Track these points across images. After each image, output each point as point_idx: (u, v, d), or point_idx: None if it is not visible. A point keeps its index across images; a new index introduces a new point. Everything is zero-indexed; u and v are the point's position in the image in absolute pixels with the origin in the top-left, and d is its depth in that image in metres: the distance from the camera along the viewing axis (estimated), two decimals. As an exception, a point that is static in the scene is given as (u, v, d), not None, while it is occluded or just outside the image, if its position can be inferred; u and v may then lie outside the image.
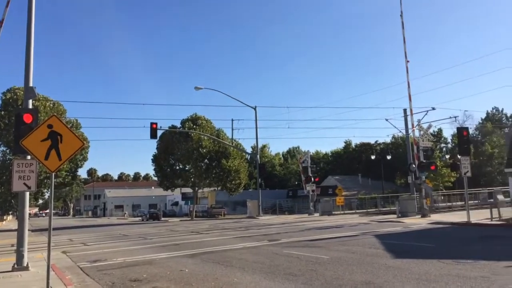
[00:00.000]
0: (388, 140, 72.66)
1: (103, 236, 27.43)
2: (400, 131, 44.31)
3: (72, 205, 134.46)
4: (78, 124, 46.10)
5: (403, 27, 31.14)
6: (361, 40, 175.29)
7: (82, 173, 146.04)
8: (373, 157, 60.35)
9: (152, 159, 54.20)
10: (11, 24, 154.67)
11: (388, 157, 57.22)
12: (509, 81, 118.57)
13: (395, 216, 31.10)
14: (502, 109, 77.56)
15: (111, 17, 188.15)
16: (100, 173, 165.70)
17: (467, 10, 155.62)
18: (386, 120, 44.54)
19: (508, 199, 23.70)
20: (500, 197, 28.53)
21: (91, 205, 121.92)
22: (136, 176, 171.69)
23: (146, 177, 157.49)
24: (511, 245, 14.63)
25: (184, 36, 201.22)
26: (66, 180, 47.68)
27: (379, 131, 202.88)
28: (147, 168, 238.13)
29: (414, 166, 30.87)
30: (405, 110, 40.76)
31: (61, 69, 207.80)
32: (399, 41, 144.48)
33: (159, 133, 45.21)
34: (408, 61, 30.80)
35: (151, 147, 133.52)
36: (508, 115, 76.77)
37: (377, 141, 76.60)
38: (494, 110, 77.68)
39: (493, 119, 75.13)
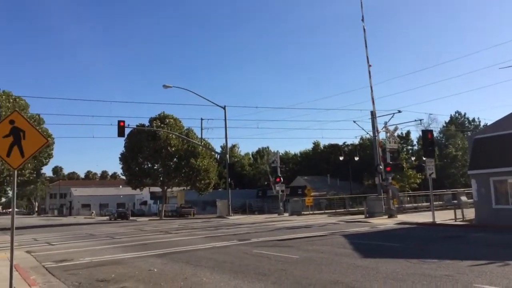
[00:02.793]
0: (356, 141, 73.86)
1: (69, 235, 26.73)
2: (368, 133, 45.12)
3: (37, 203, 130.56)
4: (41, 120, 44.83)
5: (364, 32, 31.65)
6: (330, 42, 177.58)
7: (47, 171, 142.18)
8: (341, 158, 61.23)
9: (119, 158, 53.27)
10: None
11: (356, 158, 58.21)
12: (471, 86, 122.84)
13: (363, 216, 31.64)
14: (465, 113, 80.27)
15: (76, 12, 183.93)
16: (66, 171, 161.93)
17: (436, 15, 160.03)
18: (354, 122, 45.19)
19: (471, 200, 24.49)
20: (464, 198, 29.45)
21: (57, 203, 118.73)
22: (104, 174, 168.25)
23: (114, 176, 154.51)
24: (474, 245, 15.11)
25: (153, 34, 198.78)
26: (30, 178, 46.25)
27: (348, 132, 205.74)
28: (115, 167, 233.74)
29: (381, 167, 31.49)
30: (372, 112, 41.55)
31: (25, 64, 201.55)
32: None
33: (127, 131, 44.53)
34: (370, 65, 31.39)
35: (119, 145, 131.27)
36: (470, 119, 79.47)
37: (345, 142, 77.75)
38: (457, 114, 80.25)
39: (456, 122, 77.58)
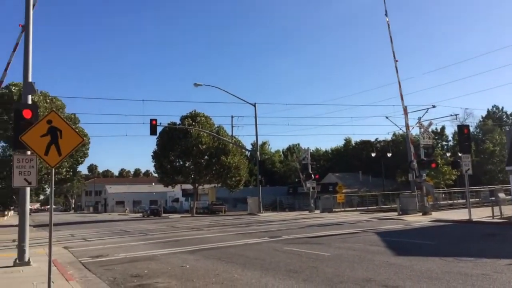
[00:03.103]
0: (389, 137, 72.65)
1: (105, 231, 27.45)
2: (401, 129, 44.27)
3: (73, 201, 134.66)
4: (77, 119, 46.13)
5: (388, 27, 30.86)
6: (361, 36, 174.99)
7: (83, 169, 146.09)
8: (373, 154, 60.30)
9: (152, 156, 54.18)
10: (10, 20, 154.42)
11: (389, 155, 57.20)
12: (509, 80, 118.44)
13: (396, 213, 31.09)
14: (502, 107, 77.78)
15: (109, 14, 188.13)
16: (100, 169, 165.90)
17: (470, 9, 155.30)
18: (387, 117, 44.50)
19: (510, 197, 23.64)
20: (502, 195, 28.40)
21: (92, 201, 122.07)
22: (137, 172, 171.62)
23: (147, 173, 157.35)
24: (512, 243, 14.60)
25: (184, 32, 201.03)
26: (67, 176, 47.65)
27: (380, 128, 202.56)
28: (148, 165, 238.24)
29: (414, 163, 30.81)
30: (403, 108, 40.58)
31: (59, 65, 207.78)
32: (398, 38, 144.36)
33: (159, 129, 45.23)
34: (397, 61, 30.70)
35: (151, 143, 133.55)
36: (508, 113, 76.85)
37: (377, 138, 76.63)
38: (495, 108, 77.75)
39: (494, 117, 75.13)
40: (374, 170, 66.57)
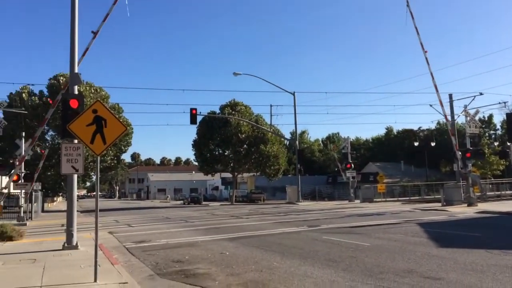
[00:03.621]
0: (433, 126, 70.44)
1: (147, 218, 28.26)
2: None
3: (117, 188, 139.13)
4: (120, 109, 47.48)
5: (412, 18, 29.05)
6: (402, 24, 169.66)
7: (126, 157, 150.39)
8: (416, 143, 58.65)
9: (192, 144, 55.00)
10: (58, 14, 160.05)
11: (433, 144, 55.46)
12: None
13: (439, 204, 30.31)
14: (557, 93, 73.52)
15: (152, 6, 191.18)
16: (143, 157, 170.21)
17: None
18: (431, 106, 42.85)
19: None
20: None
21: (135, 188, 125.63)
22: (177, 161, 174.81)
23: (187, 162, 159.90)
24: None
25: (223, 24, 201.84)
26: (112, 164, 49.28)
27: (423, 117, 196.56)
28: (188, 153, 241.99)
29: (458, 154, 29.82)
30: (450, 95, 39.15)
31: (103, 56, 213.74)
32: (441, 25, 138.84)
33: (199, 118, 45.77)
34: (426, 52, 29.50)
35: (192, 132, 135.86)
36: None
37: (420, 127, 74.39)
38: (548, 95, 73.77)
39: (547, 104, 71.28)
40: (417, 159, 64.82)
